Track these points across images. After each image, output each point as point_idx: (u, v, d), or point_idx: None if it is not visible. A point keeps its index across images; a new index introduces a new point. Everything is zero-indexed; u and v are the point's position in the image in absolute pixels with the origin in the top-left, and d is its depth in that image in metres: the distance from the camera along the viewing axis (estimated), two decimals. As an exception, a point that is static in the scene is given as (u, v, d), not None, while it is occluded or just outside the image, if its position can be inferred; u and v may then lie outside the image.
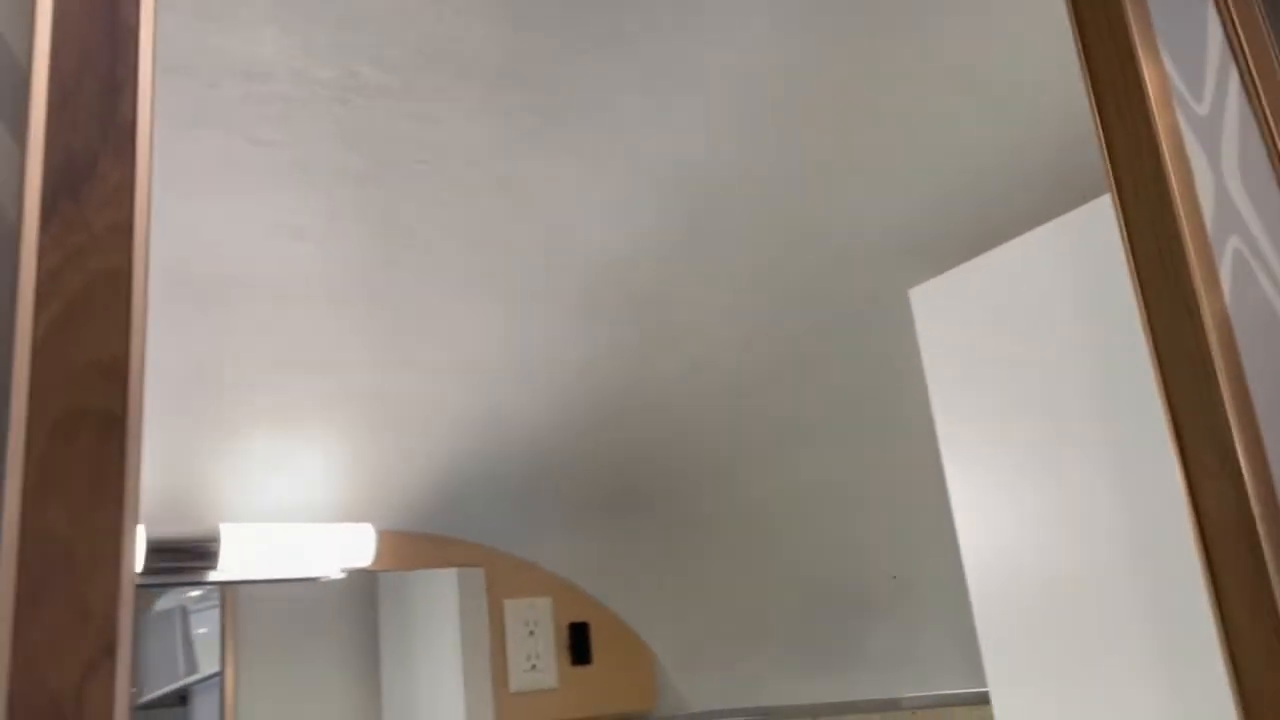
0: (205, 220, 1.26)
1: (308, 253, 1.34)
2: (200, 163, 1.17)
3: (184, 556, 1.49)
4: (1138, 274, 0.70)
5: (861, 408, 1.62)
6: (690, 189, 1.35)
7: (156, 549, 1.46)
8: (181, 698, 1.50)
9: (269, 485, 1.59)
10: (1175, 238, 0.66)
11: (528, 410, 1.71)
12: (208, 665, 1.54)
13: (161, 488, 1.51)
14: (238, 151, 1.15)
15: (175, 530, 1.50)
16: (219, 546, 1.50)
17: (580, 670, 1.89)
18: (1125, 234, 0.71)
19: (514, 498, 1.84)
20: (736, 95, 1.21)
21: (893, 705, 1.87)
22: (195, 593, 1.53)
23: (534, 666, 1.84)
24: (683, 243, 1.43)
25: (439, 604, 1.78)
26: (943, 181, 1.35)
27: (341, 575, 1.65)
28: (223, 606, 1.56)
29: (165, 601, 1.52)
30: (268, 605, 1.62)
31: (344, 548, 1.60)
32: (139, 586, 1.48)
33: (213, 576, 1.52)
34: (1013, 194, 1.31)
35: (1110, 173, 0.72)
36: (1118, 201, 0.71)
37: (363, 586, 1.72)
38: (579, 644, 1.90)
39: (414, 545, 1.76)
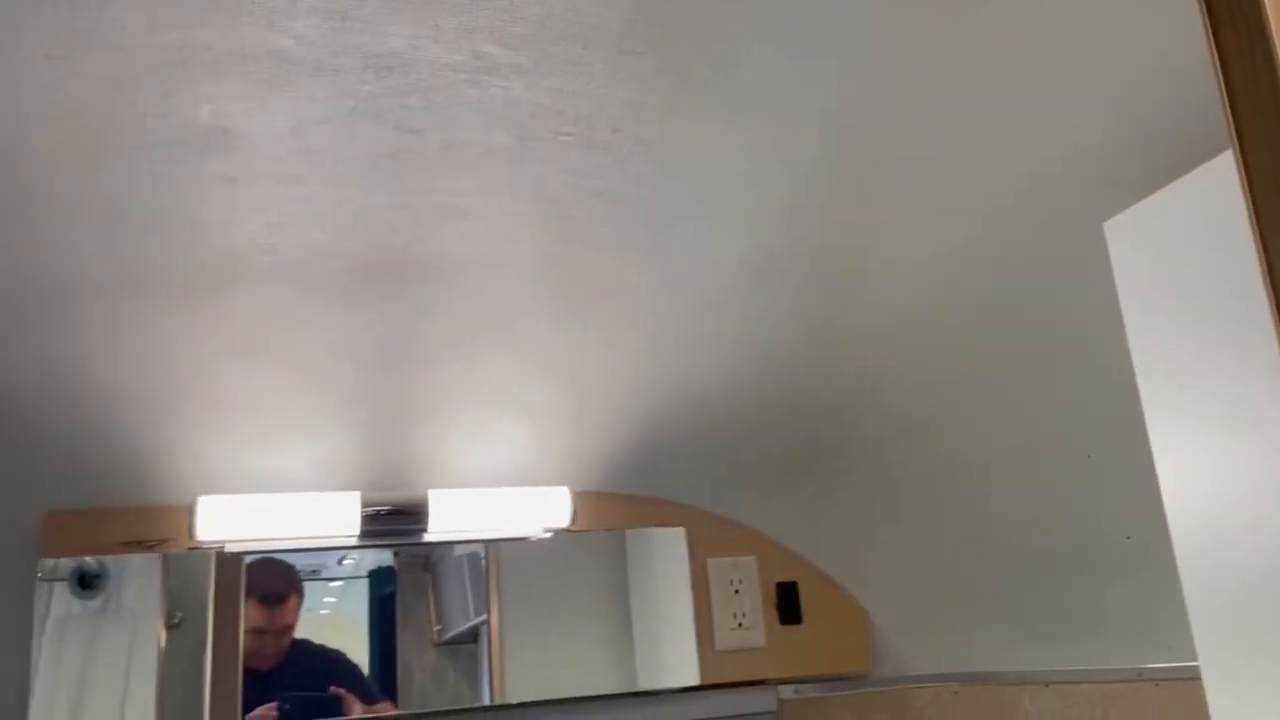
0: (380, 208, 1.34)
1: (477, 231, 1.39)
2: (364, 155, 1.24)
3: (397, 519, 1.62)
4: (1261, 239, 0.58)
5: (1070, 353, 1.48)
6: (847, 137, 1.28)
7: (372, 513, 1.60)
8: (474, 635, 1.64)
9: (472, 452, 1.69)
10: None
11: (715, 370, 1.71)
12: (490, 608, 1.68)
13: (376, 457, 1.64)
14: (392, 141, 1.21)
15: (388, 495, 1.63)
16: (427, 510, 1.62)
17: (789, 630, 1.88)
18: (1246, 189, 0.59)
19: (713, 457, 1.85)
20: (883, 34, 1.13)
21: (1134, 676, 1.71)
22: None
23: (740, 625, 1.84)
24: (848, 192, 1.37)
25: (652, 562, 1.82)
26: (1137, 99, 1.20)
27: (547, 535, 1.73)
28: (485, 557, 1.69)
29: (460, 549, 1.66)
30: (524, 556, 1.72)
31: (542, 509, 1.68)
32: (357, 548, 1.63)
33: (425, 538, 1.64)
34: (1216, 108, 1.14)
35: (1228, 112, 0.60)
36: (1237, 150, 0.60)
37: (613, 542, 1.78)
38: (787, 603, 1.88)
39: (615, 505, 1.81)
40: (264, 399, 1.56)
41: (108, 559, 1.54)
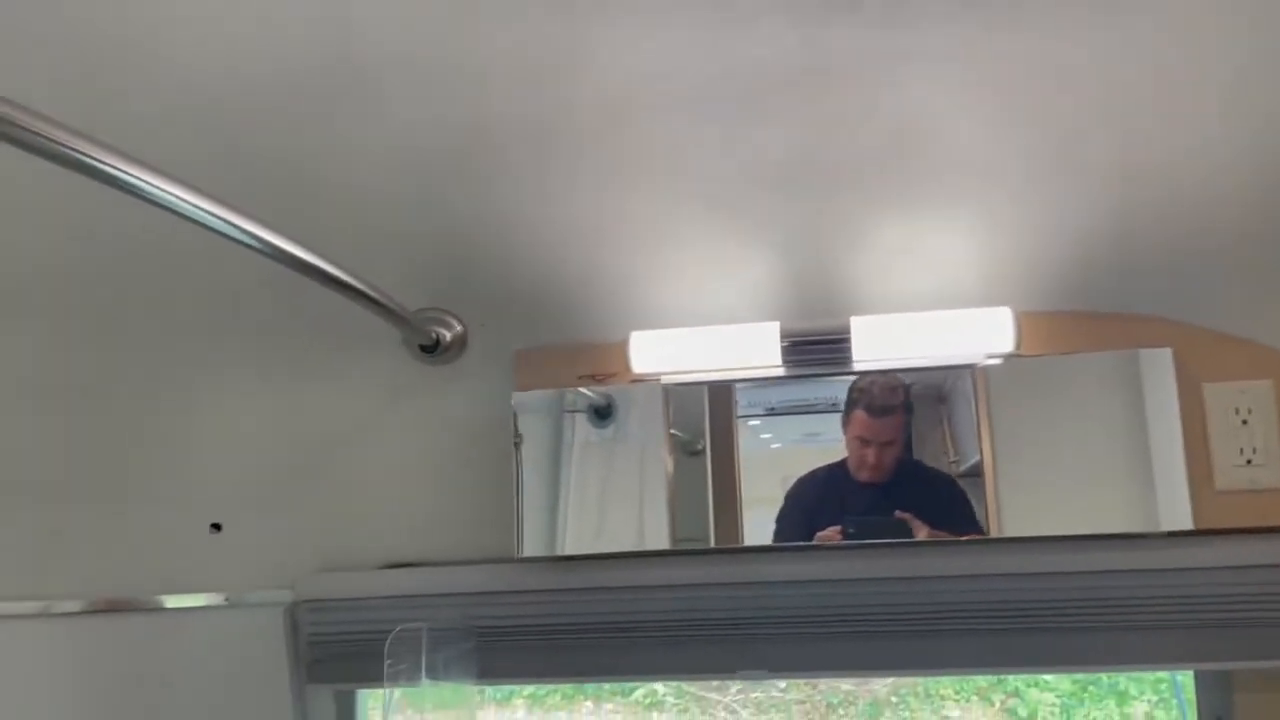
0: (762, 10, 1.23)
1: (874, 21, 1.23)
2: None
3: (818, 349, 1.54)
4: None
5: None
6: None
7: (792, 343, 1.54)
8: (980, 467, 1.59)
9: (899, 274, 1.55)
10: None
11: (1204, 151, 1.37)
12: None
13: (793, 283, 1.57)
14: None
15: (807, 324, 1.55)
16: (849, 338, 1.52)
17: (1323, 468, 1.51)
18: None
19: (1208, 260, 1.50)
20: None
21: None
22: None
23: (1249, 462, 1.51)
24: None
25: (1131, 389, 1.55)
26: None
27: (995, 362, 1.55)
28: (974, 392, 1.59)
29: (963, 384, 1.58)
30: (1021, 388, 1.57)
31: (981, 334, 1.49)
32: (777, 378, 1.58)
33: (852, 367, 1.55)
34: None
35: None
36: None
37: (1123, 366, 1.55)
38: (1319, 436, 1.50)
39: (1072, 326, 1.56)
40: (680, 232, 1.55)
41: (613, 391, 1.66)
